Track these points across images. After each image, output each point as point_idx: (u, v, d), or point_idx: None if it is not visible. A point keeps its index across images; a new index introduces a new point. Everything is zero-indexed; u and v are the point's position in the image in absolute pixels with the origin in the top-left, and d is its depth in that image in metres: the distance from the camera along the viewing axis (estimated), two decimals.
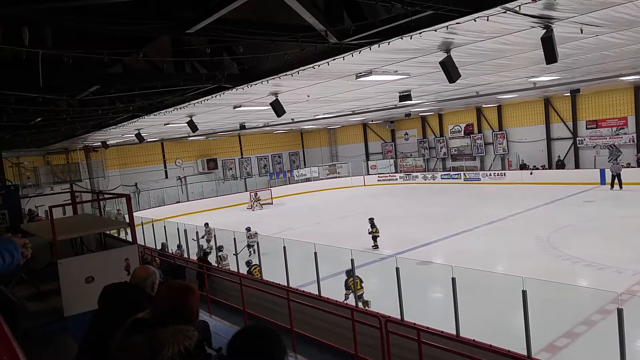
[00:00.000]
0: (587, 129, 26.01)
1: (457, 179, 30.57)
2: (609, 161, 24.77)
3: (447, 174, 31.51)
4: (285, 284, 8.75)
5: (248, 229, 16.04)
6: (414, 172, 33.56)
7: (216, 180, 33.27)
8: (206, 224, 17.79)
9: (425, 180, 32.34)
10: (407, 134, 35.66)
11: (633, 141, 24.17)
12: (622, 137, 24.59)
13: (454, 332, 5.96)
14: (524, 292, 5.63)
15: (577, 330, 7.51)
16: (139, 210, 24.30)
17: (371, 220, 15.02)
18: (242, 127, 21.32)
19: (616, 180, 21.87)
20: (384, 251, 14.18)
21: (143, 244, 14.51)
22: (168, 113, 12.10)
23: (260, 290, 8.62)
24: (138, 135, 18.12)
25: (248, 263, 11.82)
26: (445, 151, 32.99)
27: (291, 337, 7.21)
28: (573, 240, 13.76)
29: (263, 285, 8.87)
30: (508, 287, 6.67)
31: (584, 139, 26.01)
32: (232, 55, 7.32)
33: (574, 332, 7.48)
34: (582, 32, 7.94)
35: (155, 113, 11.73)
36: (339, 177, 35.27)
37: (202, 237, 16.37)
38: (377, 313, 6.26)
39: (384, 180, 34.22)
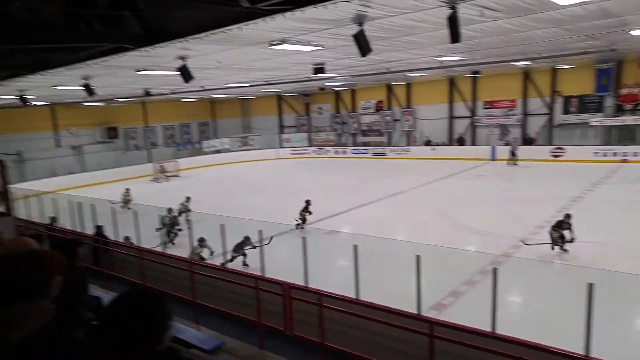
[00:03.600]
0: (483, 109, 28.32)
1: (365, 153, 31.80)
2: (499, 140, 27.31)
3: (357, 149, 32.63)
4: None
5: (187, 198, 15.77)
6: (326, 146, 34.26)
7: (117, 151, 31.25)
8: (127, 190, 17.17)
9: (336, 154, 33.23)
10: (321, 108, 36.13)
11: (519, 122, 26.83)
12: (511, 118, 27.17)
13: (355, 296, 6.35)
14: (417, 257, 6.10)
15: (460, 290, 8.38)
16: (24, 182, 22.08)
17: (307, 202, 14.82)
18: (147, 93, 20.16)
19: (512, 157, 24.08)
20: (294, 222, 14.46)
21: (28, 218, 13.35)
22: (58, 73, 11.05)
23: (162, 263, 8.42)
24: (21, 98, 16.35)
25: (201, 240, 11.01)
26: (356, 126, 34.00)
27: (193, 309, 7.18)
28: (464, 210, 15.12)
29: (164, 258, 8.65)
30: (405, 253, 7.18)
31: (481, 119, 28.31)
32: (134, 11, 6.83)
33: (458, 291, 8.34)
34: (483, 15, 8.58)
35: (41, 73, 10.62)
36: (251, 149, 34.90)
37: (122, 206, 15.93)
38: (281, 280, 6.45)
39: (297, 153, 34.54)
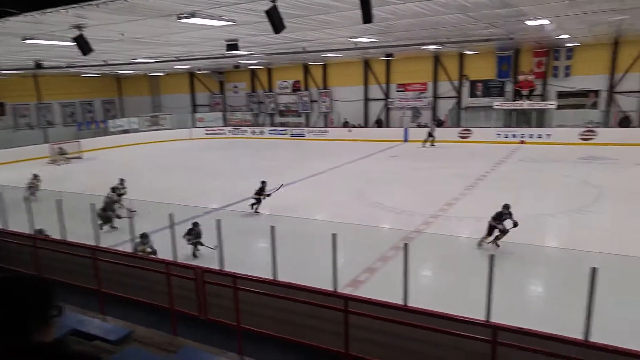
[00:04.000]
0: (397, 91, 29.39)
1: (283, 134, 31.69)
2: (411, 122, 28.60)
3: (275, 130, 32.41)
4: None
5: (122, 180, 14.56)
6: (242, 126, 33.61)
7: (6, 130, 28.16)
8: (35, 175, 15.50)
9: (253, 135, 32.74)
10: (237, 87, 35.25)
11: (430, 104, 28.26)
12: (422, 101, 28.52)
13: (272, 277, 6.32)
14: (333, 235, 6.19)
15: (375, 266, 8.72)
16: None
17: (263, 183, 14.23)
18: (38, 65, 18.26)
19: (430, 138, 25.22)
20: (211, 205, 14.08)
21: None
22: None
23: (61, 252, 7.77)
24: None
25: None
26: (273, 107, 33.69)
27: (99, 299, 6.73)
28: (380, 189, 15.69)
29: (62, 246, 7.98)
30: (324, 232, 7.27)
31: (394, 101, 29.37)
32: None
33: (373, 267, 8.67)
34: None
35: None
36: (162, 129, 33.22)
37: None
38: (194, 265, 6.24)
39: (212, 133, 33.52)
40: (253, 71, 33.62)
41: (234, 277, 5.86)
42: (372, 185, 16.37)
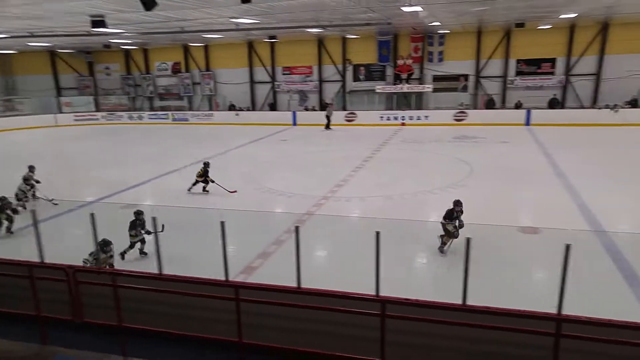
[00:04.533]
0: (283, 74, 29.43)
1: (165, 119, 30.04)
2: (299, 105, 28.93)
3: (155, 114, 30.57)
4: None
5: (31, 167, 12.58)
6: (118, 111, 31.15)
7: None
8: (31, 167, 12.70)
9: (131, 120, 30.55)
10: (109, 69, 32.49)
11: (316, 88, 28.82)
12: (309, 84, 28.97)
13: (157, 272, 5.95)
14: (222, 223, 6.00)
15: (269, 250, 8.70)
16: None
17: (206, 164, 13.30)
18: None
19: (328, 121, 25.52)
20: (87, 198, 12.89)
21: None
22: None
23: None
24: None
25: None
26: (152, 90, 31.70)
27: None
28: (270, 174, 15.67)
29: None
30: (213, 221, 7.03)
31: (281, 84, 29.41)
32: None
33: (267, 252, 8.65)
34: None
35: None
36: (20, 115, 29.44)
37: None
38: (63, 264, 5.63)
39: (82, 120, 30.56)
40: (127, 52, 31.23)
41: (112, 274, 5.41)
42: (263, 170, 16.29)
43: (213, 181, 13.05)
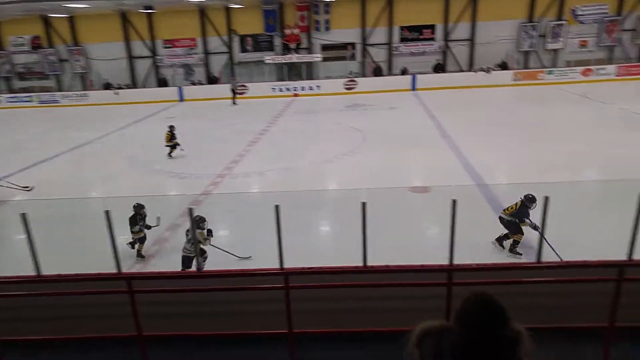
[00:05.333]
0: (164, 48, 27.77)
1: (29, 102, 26.92)
2: (184, 79, 27.65)
3: (16, 97, 27.24)
4: None
5: None
6: None
7: None
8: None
9: None
10: None
11: (202, 61, 27.70)
12: (193, 57, 27.72)
13: (35, 273, 5.40)
14: (106, 212, 5.58)
15: (165, 236, 8.34)
16: None
17: (171, 127, 14.19)
18: None
19: (234, 95, 24.58)
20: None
21: None
22: None
23: None
24: None
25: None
26: (9, 68, 28.11)
27: None
28: (158, 155, 14.87)
29: None
30: (96, 211, 6.53)
31: (163, 58, 27.77)
32: None
33: (163, 237, 8.27)
34: None
35: None
36: None
37: None
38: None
39: None
40: None
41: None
42: (150, 151, 15.39)
43: (179, 144, 13.91)
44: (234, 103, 24.49)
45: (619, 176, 9.84)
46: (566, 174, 10.72)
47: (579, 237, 7.33)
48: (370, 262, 4.59)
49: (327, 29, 26.93)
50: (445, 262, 4.37)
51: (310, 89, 26.18)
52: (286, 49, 27.00)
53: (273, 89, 26.28)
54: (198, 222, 6.64)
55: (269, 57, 26.70)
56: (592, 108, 18.74)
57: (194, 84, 27.38)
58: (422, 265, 4.35)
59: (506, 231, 7.38)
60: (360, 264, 4.41)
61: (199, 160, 13.93)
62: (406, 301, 4.16)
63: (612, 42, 25.71)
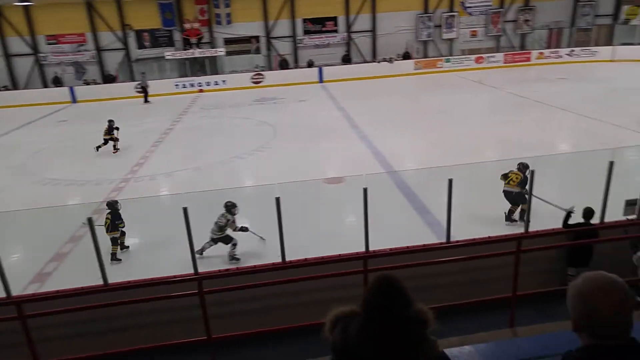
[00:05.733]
0: (47, 44, 25.51)
1: None
2: (76, 79, 25.65)
3: None
4: None
5: None
6: None
7: None
8: None
9: None
10: None
11: (94, 58, 25.84)
12: (83, 54, 25.76)
13: None
14: None
15: (64, 250, 7.67)
16: None
17: (111, 122, 13.76)
18: None
19: (146, 93, 23.10)
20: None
21: None
22: None
23: None
24: None
25: None
26: None
27: None
28: (50, 162, 13.71)
29: None
30: None
31: (48, 56, 25.51)
32: None
33: (62, 252, 7.60)
34: None
35: None
36: None
37: None
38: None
39: None
40: None
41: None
42: (40, 158, 14.10)
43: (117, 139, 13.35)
44: (147, 101, 23.26)
45: (512, 154, 10.74)
46: (470, 155, 11.38)
47: (485, 212, 7.88)
48: (292, 257, 4.57)
49: (229, 22, 26.38)
50: (362, 249, 4.45)
51: (216, 84, 25.53)
52: (187, 44, 26.03)
53: (176, 85, 25.23)
54: (230, 207, 7.05)
55: (169, 53, 25.57)
56: (486, 93, 20.24)
57: (87, 83, 25.49)
58: (339, 255, 4.40)
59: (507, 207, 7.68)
60: (279, 260, 4.37)
61: (99, 164, 13.00)
62: (327, 292, 4.18)
63: (497, 32, 27.96)
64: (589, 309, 1.44)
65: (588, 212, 5.53)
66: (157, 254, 7.58)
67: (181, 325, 4.47)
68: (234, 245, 7.06)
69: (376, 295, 1.68)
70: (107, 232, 7.03)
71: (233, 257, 7.07)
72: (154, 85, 24.85)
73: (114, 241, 7.23)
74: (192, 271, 4.40)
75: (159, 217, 8.73)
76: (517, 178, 7.57)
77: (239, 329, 4.39)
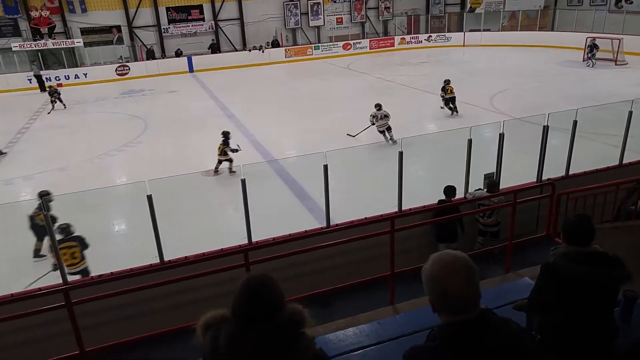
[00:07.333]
0: None
1: None
2: None
3: None
4: None
5: None
6: None
7: None
8: None
9: None
10: None
11: None
12: None
13: None
14: None
15: None
16: None
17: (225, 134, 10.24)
18: None
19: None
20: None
21: None
22: None
23: None
24: None
25: None
26: None
27: None
28: None
29: None
30: None
31: None
32: None
33: None
34: None
35: None
36: None
37: None
38: None
39: None
40: None
41: None
42: None
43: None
44: (43, 90, 20.54)
45: (378, 138, 11.35)
46: (346, 139, 11.61)
47: (359, 195, 8.20)
48: (172, 256, 4.31)
49: (84, 10, 23.97)
50: (245, 241, 4.36)
51: (77, 77, 23.12)
52: (37, 34, 23.11)
53: (29, 80, 22.26)
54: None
55: (16, 44, 22.49)
56: (355, 78, 21.02)
57: None
58: (220, 250, 4.26)
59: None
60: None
61: None
62: (208, 289, 4.03)
63: (361, 19, 29.14)
64: (440, 289, 1.49)
65: (448, 190, 5.98)
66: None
67: (45, 342, 4.00)
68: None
69: (241, 303, 1.55)
70: None
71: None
72: (2, 80, 21.73)
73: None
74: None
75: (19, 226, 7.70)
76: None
77: (118, 338, 4.04)
